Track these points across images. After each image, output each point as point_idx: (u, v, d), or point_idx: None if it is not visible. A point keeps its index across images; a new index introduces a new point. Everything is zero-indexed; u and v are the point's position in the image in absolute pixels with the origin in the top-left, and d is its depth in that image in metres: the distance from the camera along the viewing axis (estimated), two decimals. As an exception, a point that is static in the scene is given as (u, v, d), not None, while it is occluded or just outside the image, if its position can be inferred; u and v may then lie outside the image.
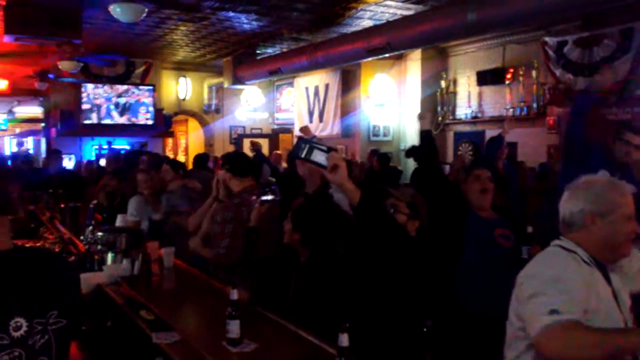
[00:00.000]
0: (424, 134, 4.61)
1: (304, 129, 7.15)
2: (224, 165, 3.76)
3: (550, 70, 7.65)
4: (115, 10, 6.20)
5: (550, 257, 1.89)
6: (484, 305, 3.08)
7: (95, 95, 11.34)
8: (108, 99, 11.45)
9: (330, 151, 1.85)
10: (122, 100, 11.57)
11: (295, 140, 11.40)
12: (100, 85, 11.35)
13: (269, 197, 3.65)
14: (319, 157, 1.85)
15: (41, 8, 7.10)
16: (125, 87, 11.56)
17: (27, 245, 3.97)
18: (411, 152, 6.60)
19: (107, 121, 11.46)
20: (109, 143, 10.43)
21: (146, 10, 6.38)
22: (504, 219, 3.36)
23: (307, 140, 1.91)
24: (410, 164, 6.65)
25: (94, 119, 11.34)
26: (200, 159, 8.55)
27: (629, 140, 3.60)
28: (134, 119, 11.63)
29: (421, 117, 8.77)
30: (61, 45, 7.97)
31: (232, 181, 3.64)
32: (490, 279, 3.17)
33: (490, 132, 8.60)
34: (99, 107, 11.37)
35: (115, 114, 11.51)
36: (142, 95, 11.72)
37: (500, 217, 3.37)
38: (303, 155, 1.86)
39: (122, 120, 11.56)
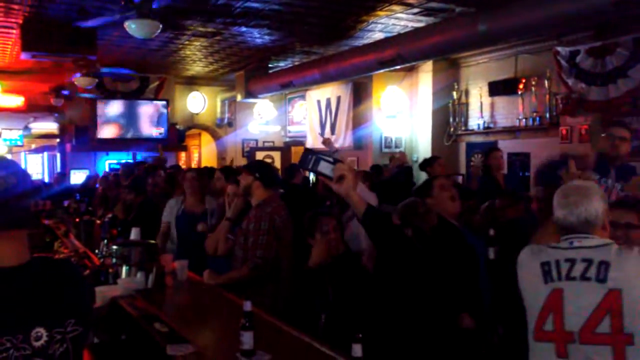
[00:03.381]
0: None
1: (326, 141, 7.03)
2: (253, 171, 3.73)
3: (563, 80, 7.60)
4: (130, 26, 6.19)
5: None
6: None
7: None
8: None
9: (337, 162, 1.86)
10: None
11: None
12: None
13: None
14: (325, 168, 1.87)
15: (57, 25, 7.21)
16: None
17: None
18: (424, 164, 6.57)
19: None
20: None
21: (161, 26, 6.41)
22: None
23: (313, 151, 1.93)
24: (423, 176, 6.67)
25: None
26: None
27: (613, 133, 3.66)
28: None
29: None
30: (77, 61, 8.08)
31: (259, 190, 3.66)
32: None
33: (503, 143, 8.57)
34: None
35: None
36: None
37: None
38: (310, 166, 1.88)
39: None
